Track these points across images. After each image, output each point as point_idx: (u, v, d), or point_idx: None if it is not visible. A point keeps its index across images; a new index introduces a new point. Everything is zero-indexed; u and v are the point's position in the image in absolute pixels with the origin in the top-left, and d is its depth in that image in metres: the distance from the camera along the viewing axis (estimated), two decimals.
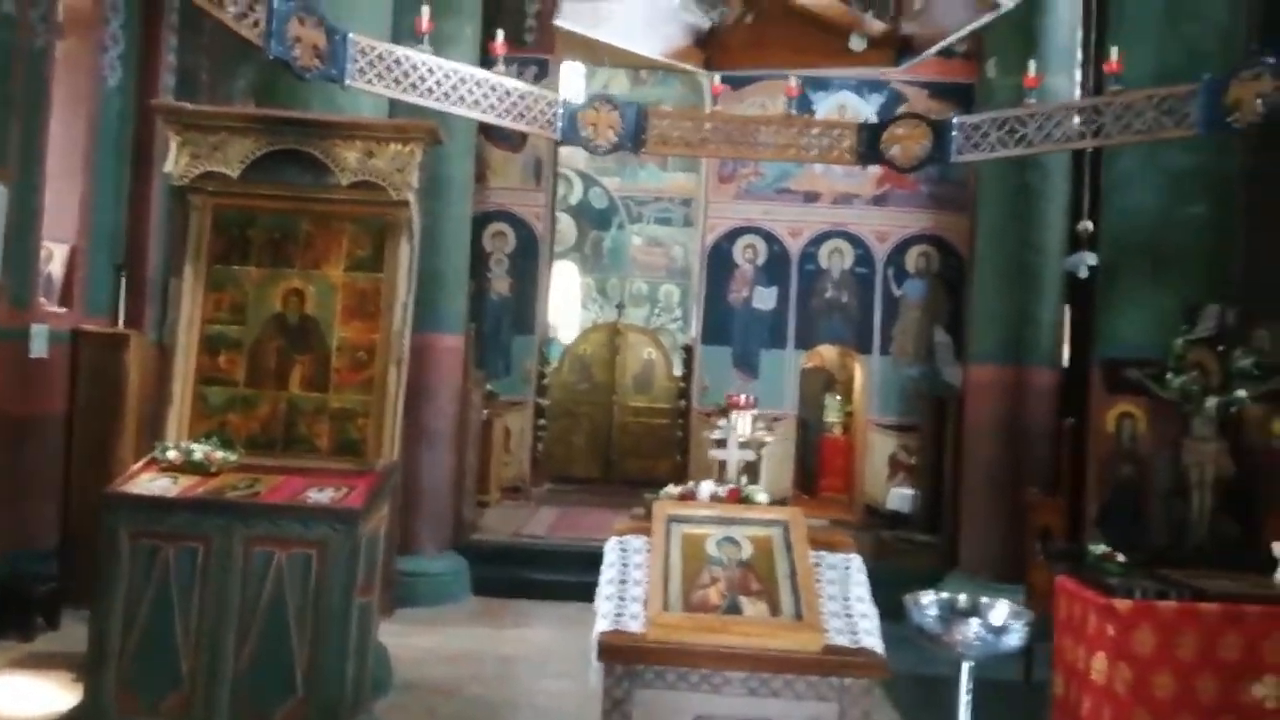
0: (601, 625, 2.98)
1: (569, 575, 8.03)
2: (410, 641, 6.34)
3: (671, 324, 16.56)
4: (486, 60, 4.96)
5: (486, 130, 11.28)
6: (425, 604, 7.47)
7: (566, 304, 16.35)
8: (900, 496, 10.44)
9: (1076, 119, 4.61)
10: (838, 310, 11.09)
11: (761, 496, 3.50)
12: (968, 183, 10.97)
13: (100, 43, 7.14)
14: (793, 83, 5.21)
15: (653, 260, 17.16)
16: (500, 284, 11.31)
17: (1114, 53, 4.55)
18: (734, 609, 2.98)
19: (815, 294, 11.09)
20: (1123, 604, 4.38)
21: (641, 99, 16.49)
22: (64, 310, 7.01)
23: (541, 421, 11.57)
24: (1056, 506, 6.23)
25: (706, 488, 3.48)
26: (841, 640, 2.92)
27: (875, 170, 11.18)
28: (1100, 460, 5.16)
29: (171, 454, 4.75)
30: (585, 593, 7.85)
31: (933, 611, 3.01)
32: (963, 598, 3.16)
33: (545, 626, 7.29)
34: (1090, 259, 6.68)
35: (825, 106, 10.81)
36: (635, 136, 5.08)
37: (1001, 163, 7.86)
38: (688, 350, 11.75)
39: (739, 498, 3.46)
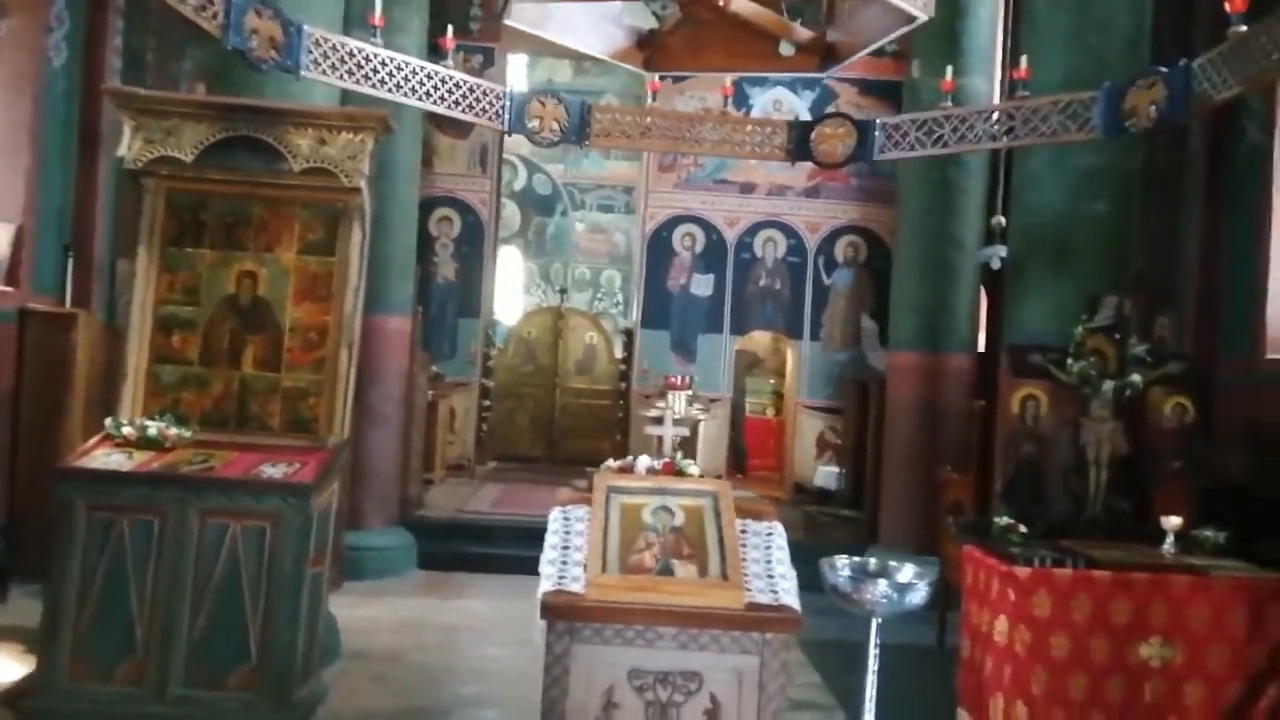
0: (545, 586, 3.26)
1: (510, 549, 8.26)
2: (358, 612, 6.55)
3: (613, 309, 16.85)
4: (434, 50, 5.15)
5: (434, 116, 11.39)
6: (372, 577, 7.68)
7: (510, 288, 16.52)
8: (827, 474, 10.92)
9: (990, 122, 4.97)
10: (771, 297, 11.48)
11: (693, 469, 3.80)
12: (895, 177, 11.45)
13: (45, 23, 7.12)
14: (728, 83, 5.50)
15: (595, 246, 17.41)
16: (446, 268, 11.47)
17: (1023, 60, 4.92)
18: (666, 571, 3.28)
19: (750, 281, 11.47)
20: (1022, 571, 4.72)
21: (585, 88, 16.73)
22: (10, 289, 7.02)
23: (486, 402, 11.79)
24: (966, 483, 6.67)
25: (643, 462, 3.77)
26: (762, 599, 3.23)
27: (808, 164, 11.62)
28: (1005, 439, 5.57)
29: (126, 430, 4.88)
30: (525, 566, 8.08)
31: (845, 573, 3.35)
32: (873, 561, 3.51)
33: (486, 598, 7.55)
34: (1002, 251, 7.11)
35: (761, 102, 11.19)
36: (580, 130, 5.31)
37: (923, 159, 8.32)
38: (628, 334, 12.06)
39: (673, 470, 3.76)
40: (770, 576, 3.34)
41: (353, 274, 5.16)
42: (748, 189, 11.51)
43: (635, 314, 11.78)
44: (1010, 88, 7.01)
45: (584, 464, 12.43)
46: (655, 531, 3.41)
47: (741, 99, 11.34)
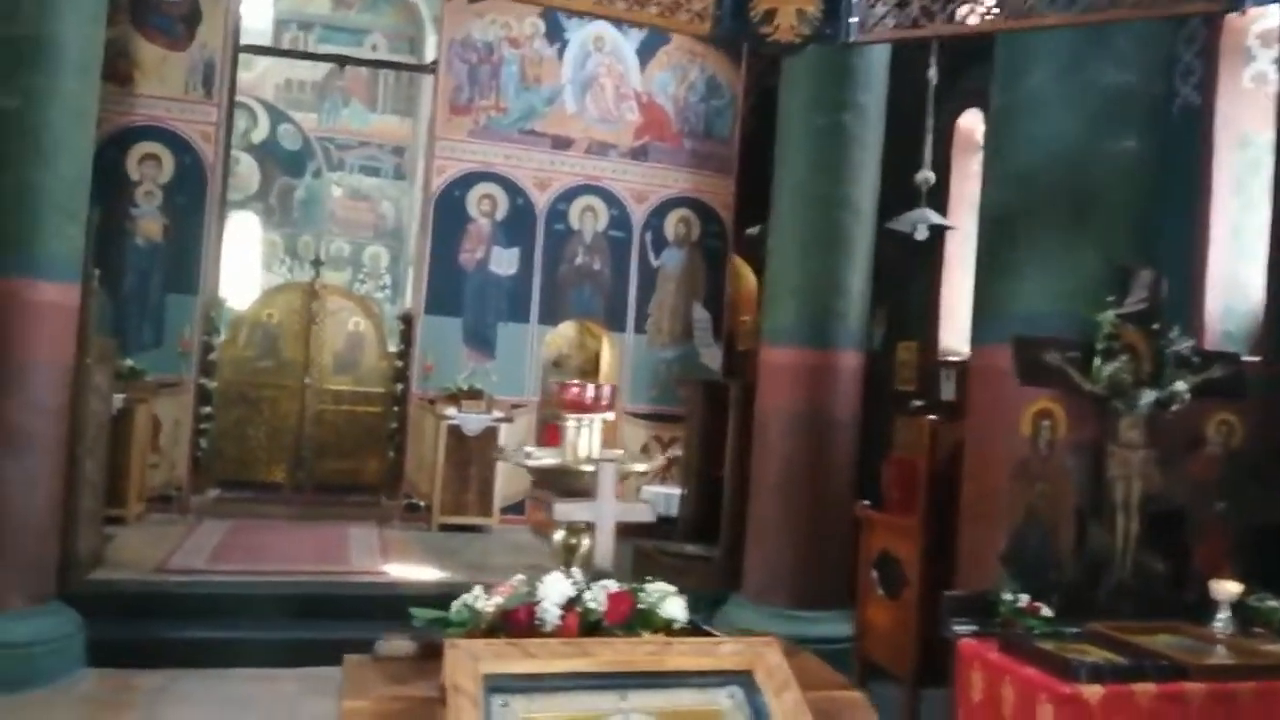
0: None
1: (240, 629, 5.74)
2: None
3: (379, 292, 14.10)
4: None
5: (135, 11, 8.43)
6: (5, 690, 4.89)
7: (244, 264, 13.41)
8: (655, 496, 8.98)
9: None
10: (589, 279, 9.42)
11: (676, 607, 1.65)
12: (732, 141, 9.76)
13: None
14: None
15: (357, 216, 14.55)
16: (150, 224, 8.49)
17: None
18: None
19: (564, 259, 9.34)
20: (1092, 691, 3.09)
21: (346, 24, 14.05)
22: None
23: (206, 409, 8.87)
24: (906, 527, 4.91)
25: (556, 591, 1.57)
26: None
27: (634, 118, 9.67)
28: (1015, 473, 3.82)
29: None
30: (264, 654, 5.64)
31: None
32: None
33: (201, 715, 4.96)
34: (933, 217, 5.46)
35: (579, 36, 9.12)
36: None
37: (808, 101, 6.55)
38: (406, 321, 9.54)
39: (628, 614, 1.58)
40: None
41: None
42: (562, 144, 9.34)
43: (412, 296, 9.29)
44: None
45: (344, 490, 9.78)
46: None
47: (556, 31, 9.24)
